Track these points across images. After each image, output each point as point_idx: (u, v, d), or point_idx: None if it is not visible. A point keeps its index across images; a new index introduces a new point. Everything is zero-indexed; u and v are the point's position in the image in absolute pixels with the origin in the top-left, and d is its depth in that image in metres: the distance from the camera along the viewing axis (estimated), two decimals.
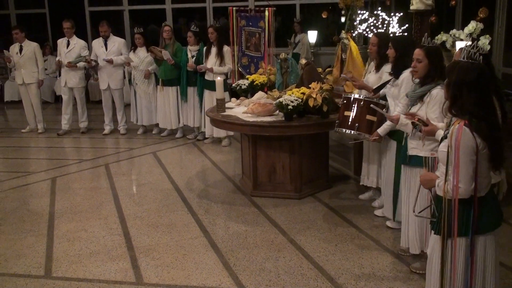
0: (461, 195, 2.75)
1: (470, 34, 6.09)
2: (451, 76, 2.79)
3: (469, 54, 2.81)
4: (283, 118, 5.46)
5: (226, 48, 7.81)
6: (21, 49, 9.03)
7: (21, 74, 9.10)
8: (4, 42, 13.40)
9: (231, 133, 7.86)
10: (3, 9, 13.57)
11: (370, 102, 4.77)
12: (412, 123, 3.44)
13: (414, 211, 3.56)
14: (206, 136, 8.27)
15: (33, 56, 9.09)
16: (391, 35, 6.90)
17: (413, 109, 3.98)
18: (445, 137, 2.87)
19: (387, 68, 4.94)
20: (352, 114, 4.89)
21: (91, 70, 11.08)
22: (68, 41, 8.88)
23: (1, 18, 13.66)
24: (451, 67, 2.85)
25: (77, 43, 8.90)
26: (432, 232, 3.02)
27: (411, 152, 4.02)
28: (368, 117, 4.82)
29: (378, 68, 5.19)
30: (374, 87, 5.10)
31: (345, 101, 5.00)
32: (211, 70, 7.68)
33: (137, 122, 8.95)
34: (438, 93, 3.80)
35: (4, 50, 9.11)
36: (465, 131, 2.69)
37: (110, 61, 8.65)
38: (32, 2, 13.69)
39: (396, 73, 4.60)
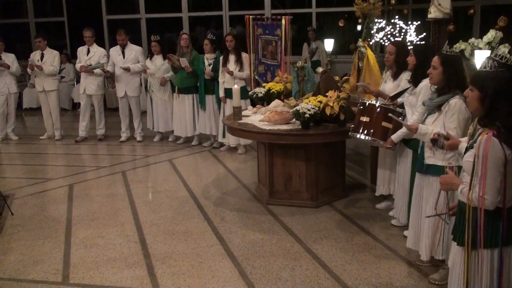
0: (487, 207, 2.70)
1: (489, 43, 6.03)
2: (487, 88, 2.71)
3: (496, 63, 2.77)
4: (300, 127, 5.45)
5: (244, 55, 7.85)
6: (42, 57, 9.15)
7: (41, 81, 9.21)
8: (24, 50, 13.62)
9: (248, 141, 7.86)
10: (23, 17, 13.76)
11: (386, 109, 4.76)
12: (432, 139, 3.38)
13: (435, 209, 3.51)
14: (221, 143, 8.30)
15: (53, 64, 9.20)
16: (409, 43, 6.86)
17: (430, 119, 3.95)
18: (470, 146, 2.83)
19: (406, 75, 4.93)
20: (368, 120, 4.87)
21: (107, 80, 11.19)
22: (88, 49, 8.99)
23: (21, 26, 13.85)
24: (483, 78, 2.77)
25: (97, 51, 9.02)
26: (455, 243, 2.97)
27: (428, 161, 3.99)
28: (384, 124, 4.81)
29: (395, 76, 5.19)
30: (391, 95, 5.09)
31: (361, 107, 4.98)
32: (231, 73, 7.71)
33: (153, 128, 9.01)
34: (456, 103, 3.78)
35: (29, 58, 9.25)
36: (493, 142, 2.64)
37: (127, 69, 8.72)
38: (51, 11, 13.87)
39: (415, 81, 4.58)
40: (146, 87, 8.95)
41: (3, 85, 9.29)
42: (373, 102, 4.94)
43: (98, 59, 8.95)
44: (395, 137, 4.71)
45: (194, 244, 4.93)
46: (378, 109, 4.83)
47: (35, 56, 9.23)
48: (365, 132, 4.88)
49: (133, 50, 8.90)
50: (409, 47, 5.25)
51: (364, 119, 4.90)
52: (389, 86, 5.26)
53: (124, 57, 8.83)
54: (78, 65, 9.06)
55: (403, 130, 4.57)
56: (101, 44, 11.17)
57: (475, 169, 2.72)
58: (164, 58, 8.50)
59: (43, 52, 9.17)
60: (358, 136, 4.94)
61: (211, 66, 8.03)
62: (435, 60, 3.90)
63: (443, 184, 3.03)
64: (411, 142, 4.64)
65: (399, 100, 4.98)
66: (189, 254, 4.73)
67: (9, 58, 9.31)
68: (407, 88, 4.79)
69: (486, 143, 2.65)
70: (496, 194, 2.68)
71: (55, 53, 9.29)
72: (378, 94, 5.26)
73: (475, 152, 2.71)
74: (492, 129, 2.68)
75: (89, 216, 5.75)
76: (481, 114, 2.78)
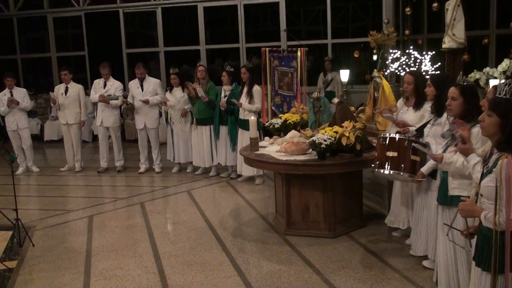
0: None
1: (504, 72, 6.07)
2: (509, 114, 2.78)
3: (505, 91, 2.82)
4: (316, 157, 5.49)
5: (256, 88, 7.96)
6: (66, 90, 9.34)
7: (65, 114, 9.39)
8: (46, 84, 13.95)
9: (261, 171, 7.91)
10: (45, 52, 14.14)
11: (413, 142, 4.67)
12: (453, 134, 3.41)
13: (448, 235, 3.49)
14: (239, 174, 8.36)
15: (77, 97, 9.38)
16: (424, 73, 6.92)
17: (451, 149, 3.94)
18: (489, 171, 2.85)
19: (429, 106, 4.90)
20: (396, 154, 4.76)
21: (128, 112, 11.36)
22: (105, 82, 9.19)
23: (43, 61, 14.21)
24: (504, 104, 2.82)
25: (113, 84, 9.21)
26: (478, 269, 2.96)
27: (453, 192, 3.93)
28: (413, 157, 4.72)
29: (417, 106, 5.17)
30: (417, 126, 5.05)
31: (384, 142, 4.87)
32: (240, 104, 7.82)
33: (174, 160, 9.10)
34: (478, 131, 3.77)
35: (50, 92, 9.43)
36: None
37: (146, 102, 8.88)
38: (72, 45, 14.23)
39: (437, 111, 4.57)
40: (166, 119, 9.09)
41: (12, 121, 9.41)
42: (398, 136, 4.85)
43: (114, 92, 9.13)
44: (425, 169, 4.62)
45: (212, 275, 4.95)
46: (406, 143, 4.72)
47: (59, 89, 9.43)
48: (393, 167, 4.76)
49: (151, 82, 9.07)
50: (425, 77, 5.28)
51: (391, 154, 4.79)
52: (411, 116, 5.21)
53: (142, 90, 9.00)
54: (94, 96, 9.22)
55: (432, 161, 4.50)
56: (120, 76, 11.40)
57: (499, 194, 2.73)
58: (184, 90, 8.64)
59: (67, 85, 9.37)
60: (383, 171, 4.82)
61: (226, 97, 8.16)
62: (454, 91, 3.90)
63: (463, 211, 3.02)
64: (436, 174, 4.57)
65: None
66: (207, 285, 4.74)
67: (20, 94, 9.41)
68: (430, 120, 4.78)
69: (508, 167, 2.67)
70: None
71: (79, 86, 9.46)
72: (404, 124, 5.17)
73: (496, 177, 2.73)
74: (511, 153, 2.71)
75: (108, 247, 5.81)
76: (500, 139, 2.82)
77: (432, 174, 4.62)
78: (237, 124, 8.16)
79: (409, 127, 5.05)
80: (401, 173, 4.75)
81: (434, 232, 4.70)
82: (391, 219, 5.53)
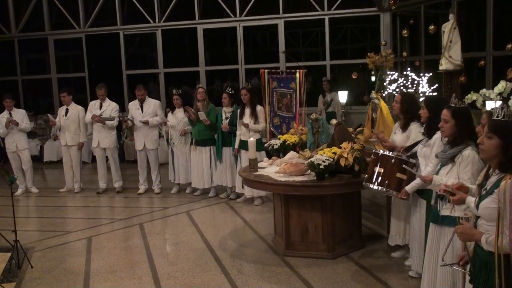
0: None
1: (500, 94, 6.12)
2: (510, 136, 2.82)
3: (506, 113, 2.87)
4: (315, 178, 5.51)
5: (259, 108, 8.00)
6: (66, 112, 9.40)
7: (65, 136, 9.43)
8: (46, 105, 14.02)
9: (264, 192, 7.91)
10: (45, 73, 14.23)
11: (401, 161, 4.78)
12: (440, 195, 3.44)
13: (443, 260, 3.48)
14: (238, 194, 8.36)
15: (77, 119, 9.42)
16: (421, 94, 6.99)
17: (443, 170, 3.98)
18: (489, 193, 2.87)
19: (415, 127, 5.02)
20: (382, 170, 4.88)
21: (127, 132, 11.40)
22: (101, 103, 9.24)
23: (43, 82, 14.29)
24: (504, 127, 2.85)
25: (109, 105, 9.26)
26: None
27: (444, 212, 3.98)
28: (398, 174, 4.81)
29: (404, 127, 5.27)
30: (405, 146, 5.13)
31: (375, 157, 5.00)
32: (246, 125, 7.83)
33: (174, 180, 9.11)
34: (469, 154, 3.82)
35: (48, 114, 9.46)
36: None
37: (146, 123, 8.92)
38: (73, 67, 14.34)
39: (428, 133, 4.64)
40: (167, 140, 9.12)
41: (11, 142, 9.43)
42: (387, 153, 4.98)
43: (110, 113, 9.18)
44: (409, 188, 4.72)
45: None
46: (393, 160, 4.84)
47: (61, 111, 9.49)
48: (379, 182, 4.89)
49: (151, 104, 9.11)
50: (421, 99, 5.37)
51: (378, 169, 4.91)
52: (398, 137, 5.34)
53: (142, 111, 9.04)
54: (87, 116, 9.25)
55: (417, 181, 4.60)
56: (120, 97, 11.43)
57: (501, 215, 2.73)
58: (184, 110, 8.68)
59: (68, 107, 9.43)
60: (372, 186, 4.96)
61: (228, 119, 8.19)
62: (446, 113, 3.97)
63: (462, 234, 3.01)
64: (425, 193, 4.66)
65: (413, 150, 5.03)
66: None
67: (19, 115, 9.45)
68: (421, 140, 4.85)
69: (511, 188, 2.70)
70: None
71: (79, 108, 9.51)
72: (390, 148, 5.29)
73: (499, 198, 2.74)
74: None
75: (107, 269, 5.79)
76: (502, 160, 2.84)
77: (420, 192, 4.68)
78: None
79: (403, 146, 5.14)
80: (384, 189, 4.84)
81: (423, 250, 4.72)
82: (390, 236, 5.56)
